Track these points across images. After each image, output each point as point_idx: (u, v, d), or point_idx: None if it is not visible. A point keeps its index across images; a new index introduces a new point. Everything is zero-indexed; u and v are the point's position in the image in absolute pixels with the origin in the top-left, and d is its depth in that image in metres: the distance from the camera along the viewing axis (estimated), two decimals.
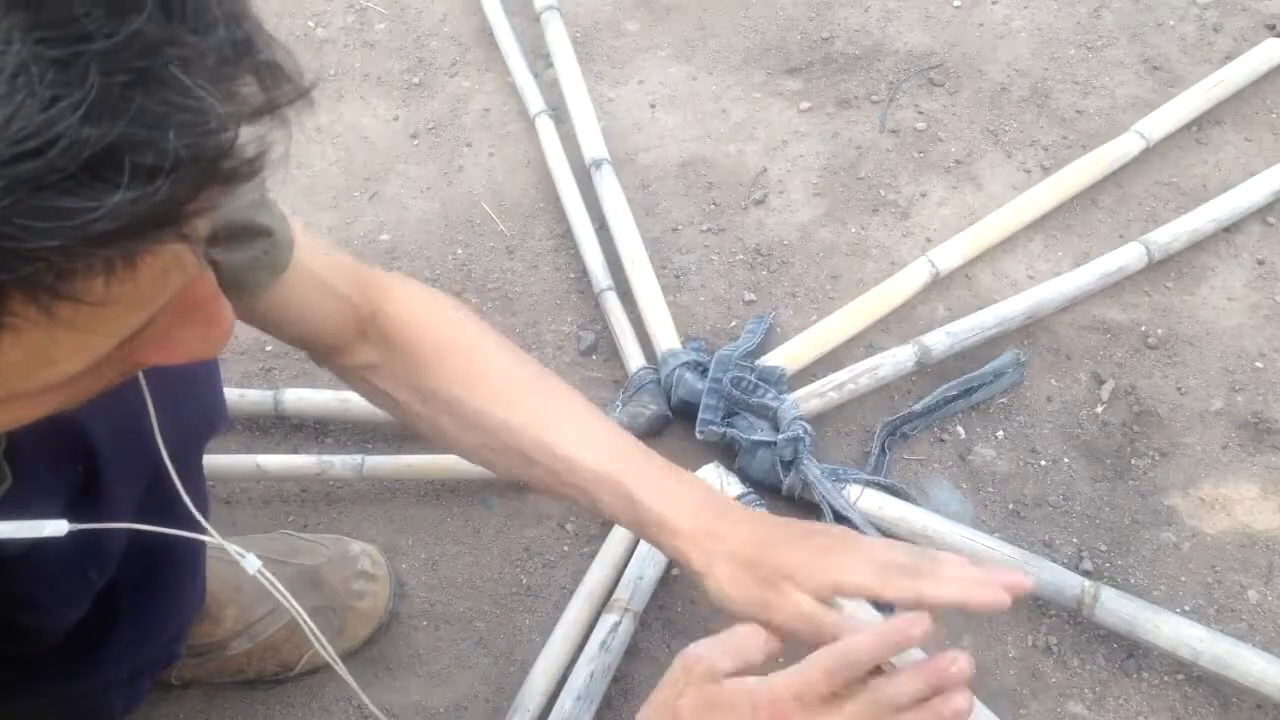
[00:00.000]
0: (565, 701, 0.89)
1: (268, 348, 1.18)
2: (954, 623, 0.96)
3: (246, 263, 0.65)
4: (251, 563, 0.62)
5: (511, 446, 0.71)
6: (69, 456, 0.60)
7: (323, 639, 0.66)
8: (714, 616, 0.97)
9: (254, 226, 0.65)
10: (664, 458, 0.71)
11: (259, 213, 0.65)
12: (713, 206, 1.28)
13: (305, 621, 0.65)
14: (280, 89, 0.35)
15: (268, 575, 0.62)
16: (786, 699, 0.55)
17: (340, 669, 0.69)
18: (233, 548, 0.61)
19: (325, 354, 0.74)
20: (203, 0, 0.32)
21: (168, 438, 0.66)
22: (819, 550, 0.64)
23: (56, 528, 0.51)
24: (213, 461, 1.06)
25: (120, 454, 0.62)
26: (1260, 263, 1.18)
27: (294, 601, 0.64)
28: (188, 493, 0.75)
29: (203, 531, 0.63)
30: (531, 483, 0.74)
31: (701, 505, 0.68)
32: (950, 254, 1.17)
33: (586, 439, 0.70)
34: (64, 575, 0.65)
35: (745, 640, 0.58)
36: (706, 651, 0.57)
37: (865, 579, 0.62)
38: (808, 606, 0.62)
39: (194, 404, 0.69)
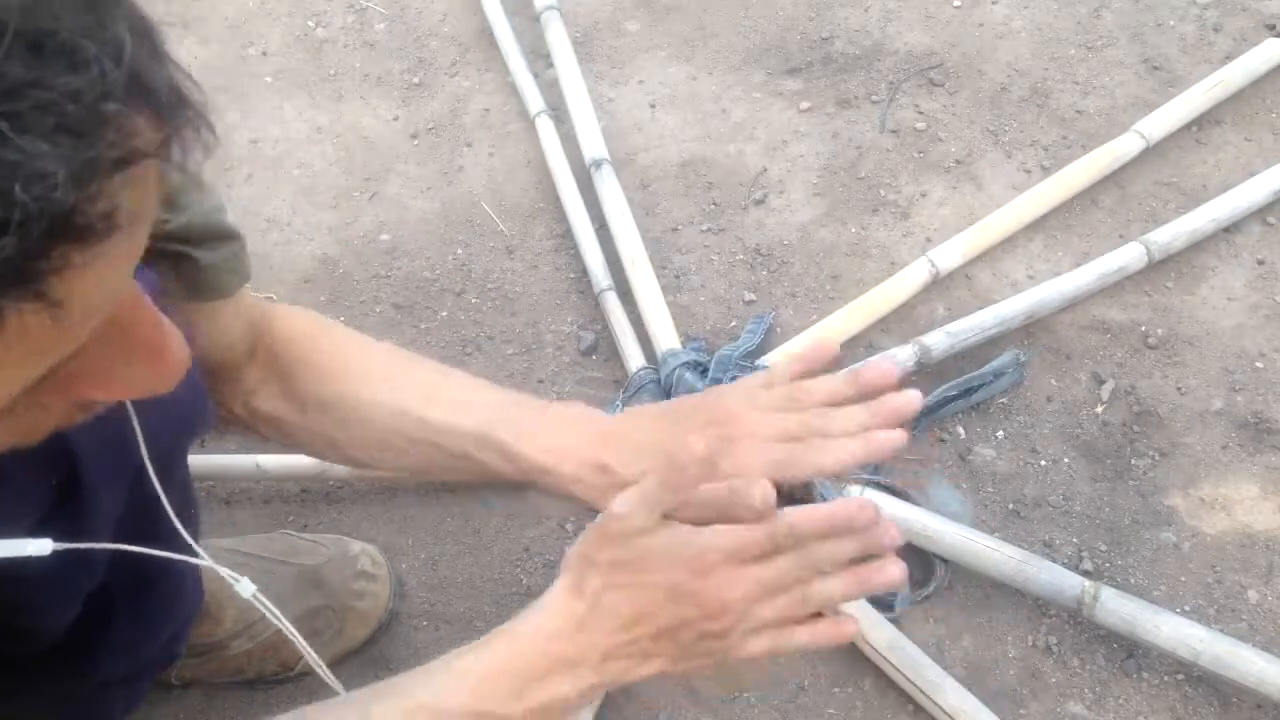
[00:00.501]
0: None
1: None
2: (954, 623, 0.96)
3: (222, 263, 0.66)
4: (246, 587, 0.62)
5: (392, 430, 0.71)
6: (48, 463, 0.59)
7: (312, 651, 0.66)
8: None
9: (224, 229, 0.65)
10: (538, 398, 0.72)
11: (224, 216, 0.66)
12: (713, 206, 1.28)
13: (294, 635, 0.64)
14: (175, 120, 0.33)
15: (263, 600, 0.62)
16: (716, 552, 0.54)
17: (328, 677, 0.68)
18: (226, 573, 0.61)
19: (225, 381, 0.74)
20: (77, 36, 0.29)
21: (150, 440, 0.66)
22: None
23: (40, 546, 0.50)
24: (213, 461, 1.06)
25: (101, 458, 0.62)
26: (1260, 263, 1.18)
27: (285, 621, 0.63)
28: (173, 494, 0.75)
29: (193, 550, 0.63)
30: (422, 467, 0.74)
31: (583, 442, 0.67)
32: (950, 254, 1.17)
33: (460, 404, 0.70)
34: (52, 579, 0.65)
35: (661, 485, 0.55)
36: (627, 507, 0.56)
37: (760, 471, 0.62)
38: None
39: (175, 405, 0.69)
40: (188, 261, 0.64)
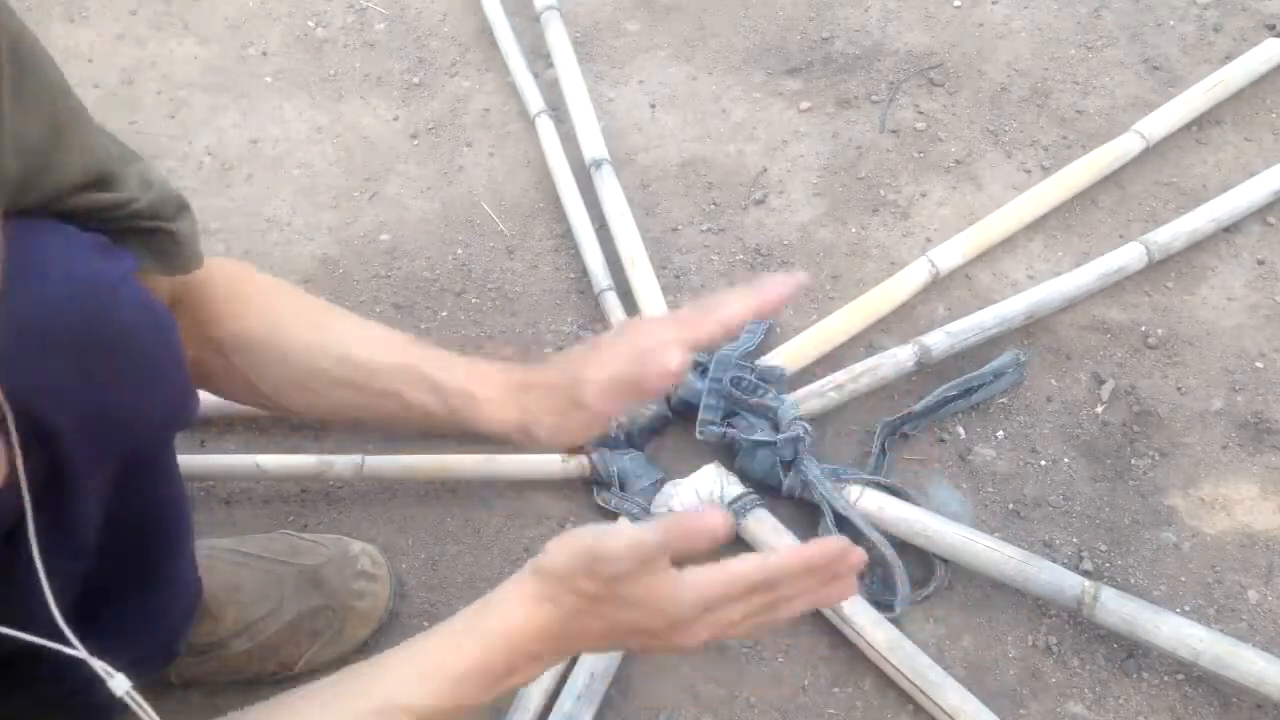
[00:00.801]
0: (565, 702, 0.89)
1: None
2: (954, 623, 0.96)
3: (191, 232, 0.66)
4: (120, 684, 0.62)
5: (313, 371, 0.72)
6: (31, 446, 0.59)
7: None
8: None
9: (181, 196, 0.66)
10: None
11: (166, 183, 0.66)
12: (713, 206, 1.28)
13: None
14: None
15: (137, 698, 0.61)
16: (695, 609, 0.55)
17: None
18: (100, 666, 0.61)
19: None
20: None
21: (135, 427, 0.66)
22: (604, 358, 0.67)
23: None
24: (213, 461, 1.06)
25: (85, 443, 0.62)
26: (1260, 263, 1.19)
27: (153, 715, 0.62)
28: (161, 483, 0.76)
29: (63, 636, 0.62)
30: (341, 411, 0.75)
31: (503, 369, 0.71)
32: (950, 254, 1.17)
33: (381, 342, 0.73)
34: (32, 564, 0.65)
35: (658, 545, 0.55)
36: (619, 555, 0.55)
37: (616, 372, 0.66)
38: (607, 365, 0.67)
39: (160, 390, 0.69)
40: (164, 236, 0.64)
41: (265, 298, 0.74)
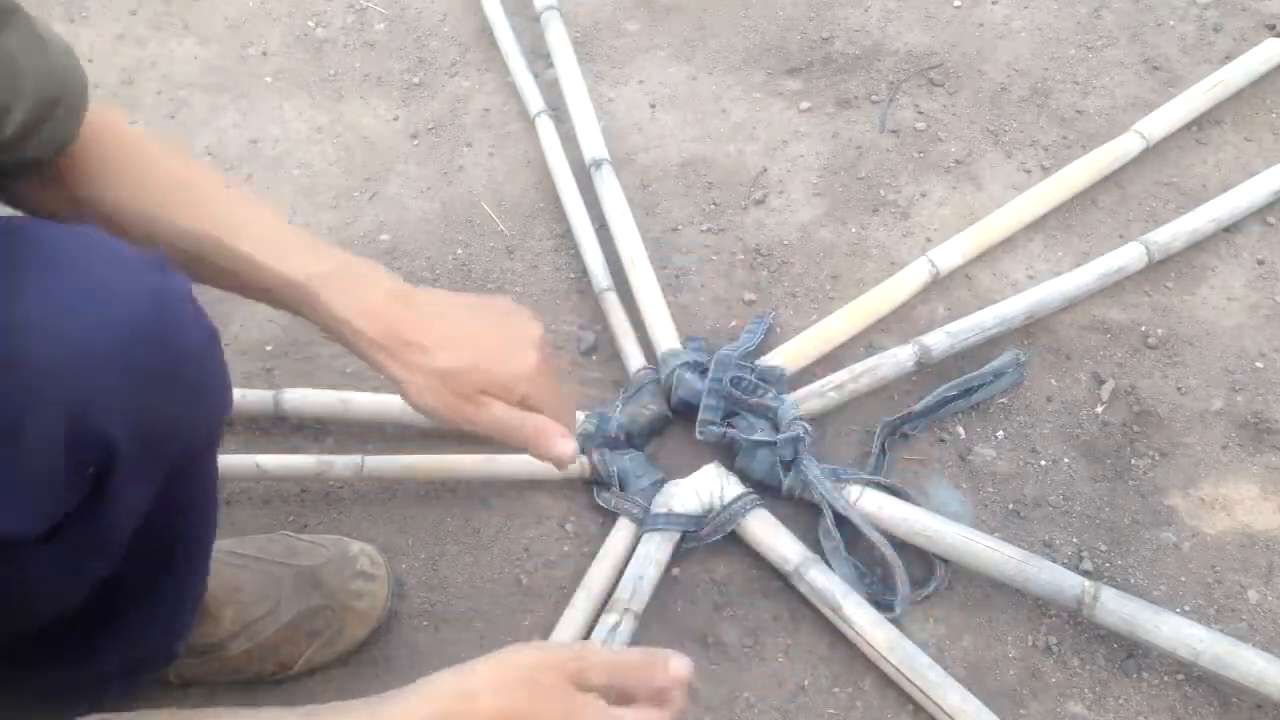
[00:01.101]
0: None
1: (268, 348, 1.18)
2: (954, 623, 0.96)
3: (71, 116, 0.65)
4: None
5: (189, 256, 0.67)
6: (86, 456, 0.60)
7: None
8: (712, 617, 0.97)
9: (52, 89, 0.64)
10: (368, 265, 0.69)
11: (51, 54, 0.64)
12: (713, 206, 1.28)
13: None
14: None
15: None
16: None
17: None
18: None
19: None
20: None
21: (183, 437, 0.67)
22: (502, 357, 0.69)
23: None
24: None
25: (137, 454, 0.63)
26: (1260, 263, 1.18)
27: None
28: (198, 488, 0.77)
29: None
30: (206, 281, 0.71)
31: (389, 309, 0.67)
32: (950, 254, 1.17)
33: (270, 241, 0.67)
34: (58, 561, 0.65)
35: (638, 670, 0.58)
36: (601, 664, 0.57)
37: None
38: (502, 412, 0.68)
39: (209, 401, 0.70)
40: (42, 143, 0.64)
41: (141, 172, 0.70)
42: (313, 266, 0.67)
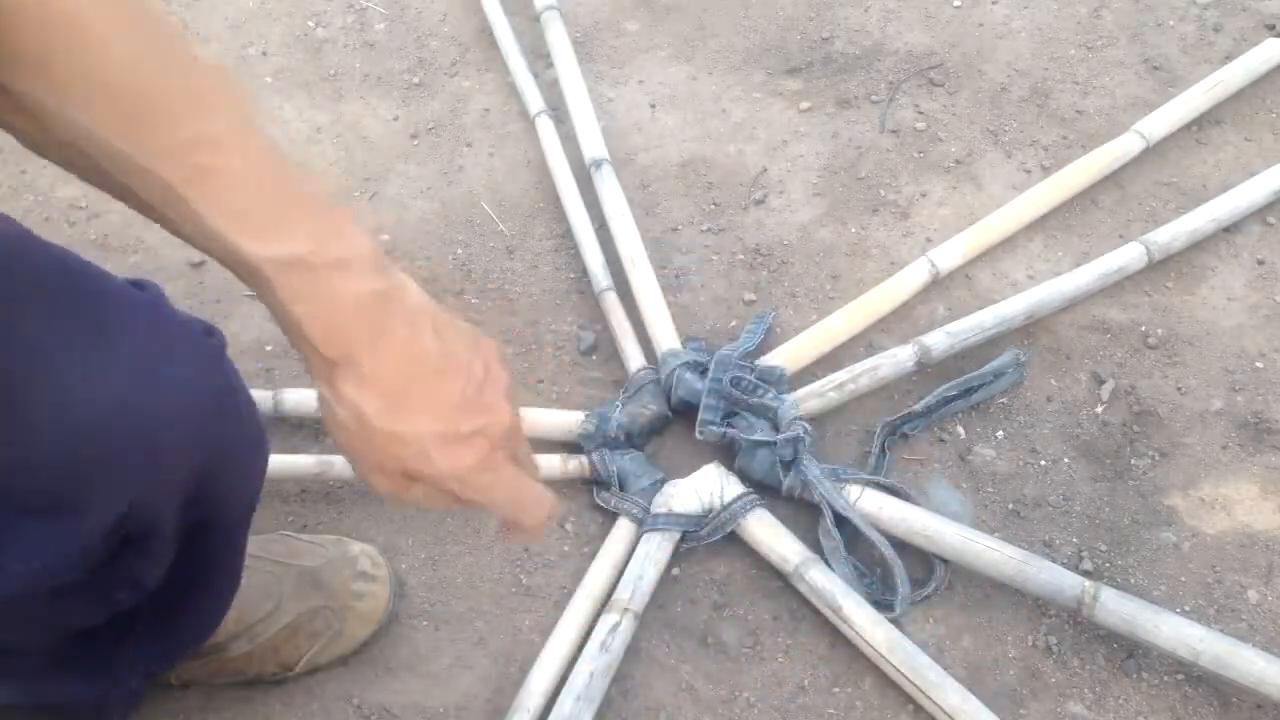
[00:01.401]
0: (565, 702, 0.89)
1: (268, 348, 1.18)
2: (954, 623, 0.96)
3: None
4: None
5: (113, 183, 0.50)
6: (135, 528, 0.65)
7: None
8: (712, 617, 0.97)
9: None
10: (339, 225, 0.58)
11: None
12: (713, 206, 1.28)
13: None
14: None
15: None
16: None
17: None
18: None
19: None
20: None
21: (225, 504, 0.73)
22: (439, 444, 0.58)
23: None
24: None
25: (180, 526, 0.69)
26: (1260, 263, 1.19)
27: None
28: (227, 552, 0.82)
29: None
30: (156, 220, 0.52)
31: (354, 322, 0.55)
32: (950, 254, 1.17)
33: (234, 201, 0.52)
34: (91, 594, 0.68)
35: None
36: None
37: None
38: (422, 496, 0.60)
39: (250, 469, 0.75)
40: None
41: (85, 69, 0.45)
42: (276, 247, 0.52)
